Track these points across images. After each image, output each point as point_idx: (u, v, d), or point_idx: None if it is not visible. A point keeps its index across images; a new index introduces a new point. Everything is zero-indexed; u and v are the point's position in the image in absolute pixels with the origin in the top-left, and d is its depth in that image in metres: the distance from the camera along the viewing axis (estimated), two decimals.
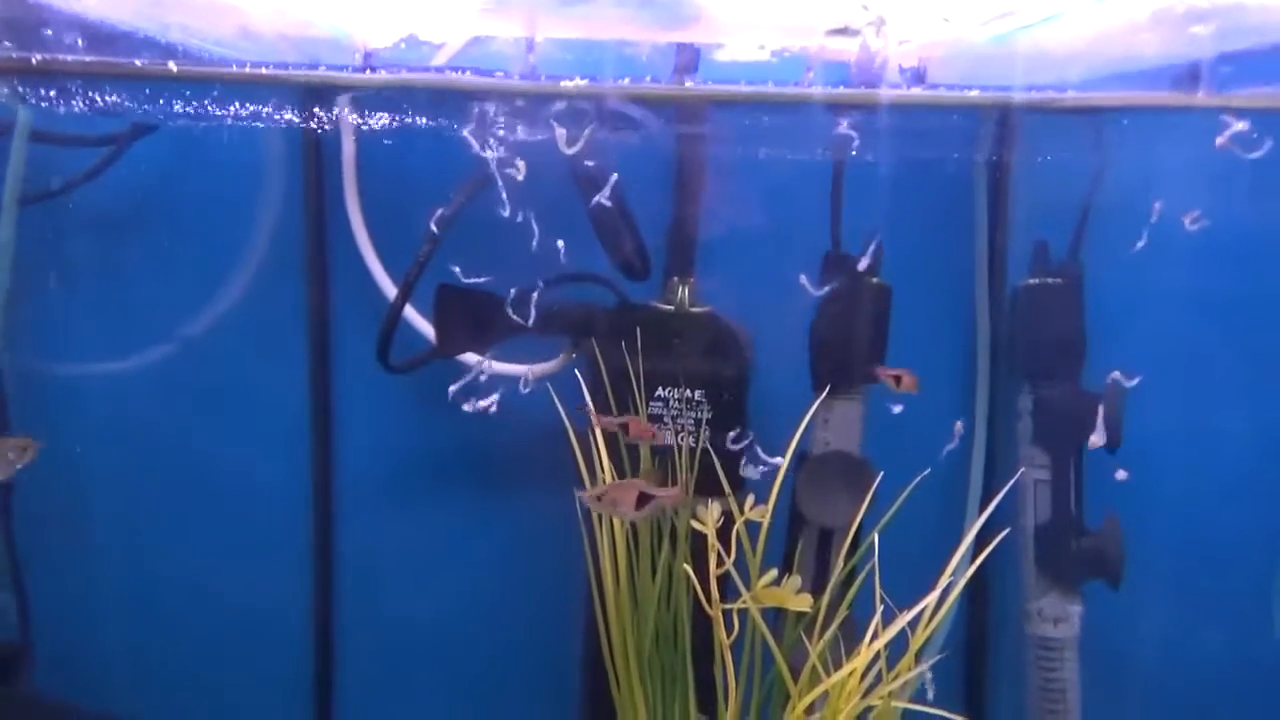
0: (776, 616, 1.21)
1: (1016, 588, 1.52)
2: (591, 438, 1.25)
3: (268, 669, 1.61)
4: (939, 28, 1.36)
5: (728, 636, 1.13)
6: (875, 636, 1.04)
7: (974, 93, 1.23)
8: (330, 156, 1.50)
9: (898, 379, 1.23)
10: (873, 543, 1.12)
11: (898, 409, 1.43)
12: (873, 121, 1.30)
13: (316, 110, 1.35)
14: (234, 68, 1.23)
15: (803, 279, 1.36)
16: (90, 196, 1.49)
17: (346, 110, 1.35)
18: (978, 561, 1.12)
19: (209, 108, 1.30)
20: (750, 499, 1.17)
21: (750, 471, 1.33)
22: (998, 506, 1.51)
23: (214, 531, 1.59)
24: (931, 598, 1.04)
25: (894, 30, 1.30)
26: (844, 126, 1.36)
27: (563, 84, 1.20)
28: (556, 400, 1.34)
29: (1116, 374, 1.34)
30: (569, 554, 1.33)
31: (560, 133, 1.23)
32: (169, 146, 1.50)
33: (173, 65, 1.17)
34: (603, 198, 1.31)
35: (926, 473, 1.17)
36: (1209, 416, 1.56)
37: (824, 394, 1.41)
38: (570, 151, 1.23)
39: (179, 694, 1.61)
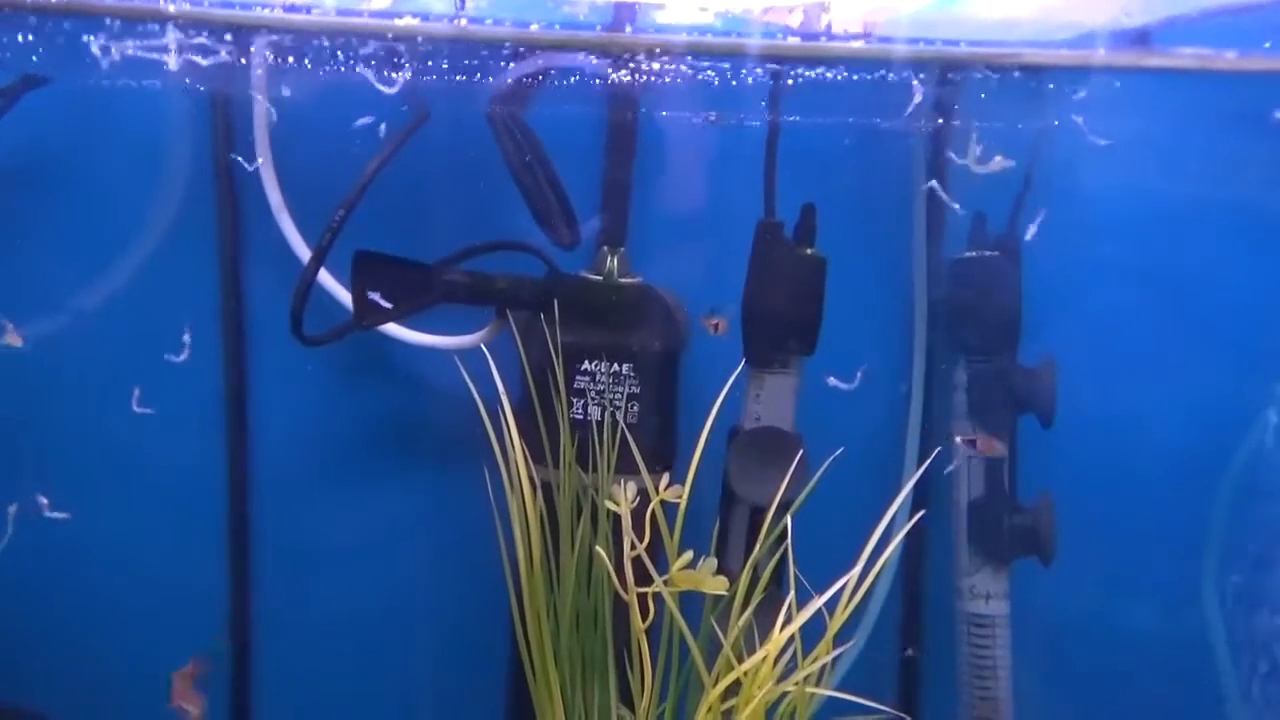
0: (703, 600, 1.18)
1: (949, 564, 1.50)
2: (501, 414, 1.19)
3: (183, 659, 1.53)
4: None
5: (645, 621, 1.09)
6: (789, 620, 1.00)
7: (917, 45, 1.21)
8: (243, 113, 1.42)
9: None
10: (792, 520, 1.09)
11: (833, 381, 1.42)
12: (810, 81, 1.27)
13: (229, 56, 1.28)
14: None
15: None
16: None
17: (261, 60, 1.29)
18: (895, 540, 1.09)
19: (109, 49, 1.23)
20: (665, 478, 1.12)
21: None
22: (934, 483, 1.50)
23: (123, 513, 1.52)
24: (850, 575, 1.01)
25: None
26: (780, 86, 1.33)
27: (500, 29, 1.18)
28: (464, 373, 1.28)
29: None
30: (494, 533, 1.29)
31: None
32: (64, 102, 1.41)
33: None
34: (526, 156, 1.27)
35: (840, 451, 1.14)
36: (1143, 392, 1.55)
37: (755, 367, 1.38)
38: None
39: (89, 682, 1.54)
